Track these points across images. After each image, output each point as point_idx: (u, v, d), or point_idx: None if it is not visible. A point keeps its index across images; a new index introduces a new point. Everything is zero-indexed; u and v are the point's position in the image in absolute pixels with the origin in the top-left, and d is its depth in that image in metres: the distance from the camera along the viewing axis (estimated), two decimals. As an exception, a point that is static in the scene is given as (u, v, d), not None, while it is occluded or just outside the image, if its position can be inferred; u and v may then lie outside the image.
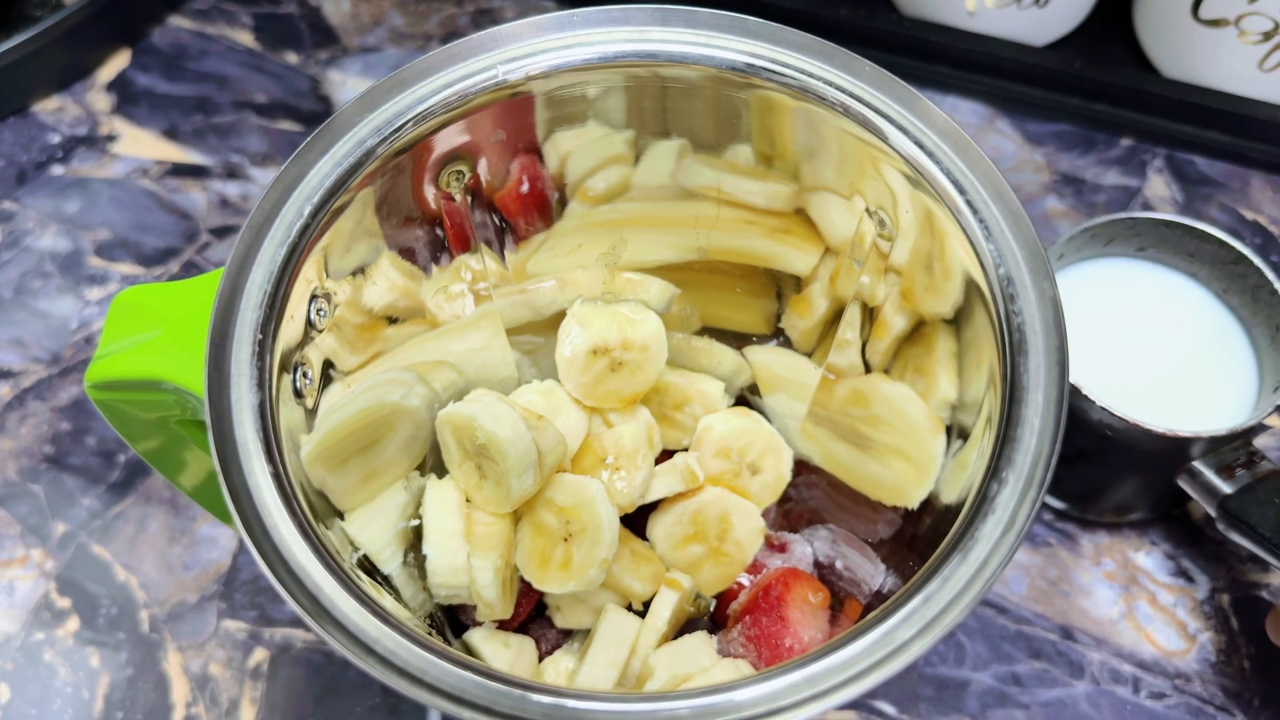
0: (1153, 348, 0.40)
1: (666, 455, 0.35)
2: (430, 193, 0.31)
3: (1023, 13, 0.48)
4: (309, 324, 0.28)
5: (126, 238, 0.48)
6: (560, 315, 0.35)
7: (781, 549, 0.36)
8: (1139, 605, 0.40)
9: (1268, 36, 0.45)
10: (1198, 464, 0.37)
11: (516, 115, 0.30)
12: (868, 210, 0.30)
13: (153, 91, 0.52)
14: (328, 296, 0.28)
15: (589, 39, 0.29)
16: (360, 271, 0.30)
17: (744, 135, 0.31)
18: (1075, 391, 0.36)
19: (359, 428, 0.30)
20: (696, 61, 0.29)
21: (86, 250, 0.48)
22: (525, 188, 0.33)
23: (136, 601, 0.40)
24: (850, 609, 0.34)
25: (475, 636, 0.33)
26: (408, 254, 0.31)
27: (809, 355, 0.36)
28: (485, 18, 0.55)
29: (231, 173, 0.50)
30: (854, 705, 0.37)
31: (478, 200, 0.32)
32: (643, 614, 0.34)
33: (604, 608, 0.34)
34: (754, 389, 0.38)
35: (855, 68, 0.28)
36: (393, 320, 0.32)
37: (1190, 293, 0.41)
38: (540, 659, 0.34)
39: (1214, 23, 0.46)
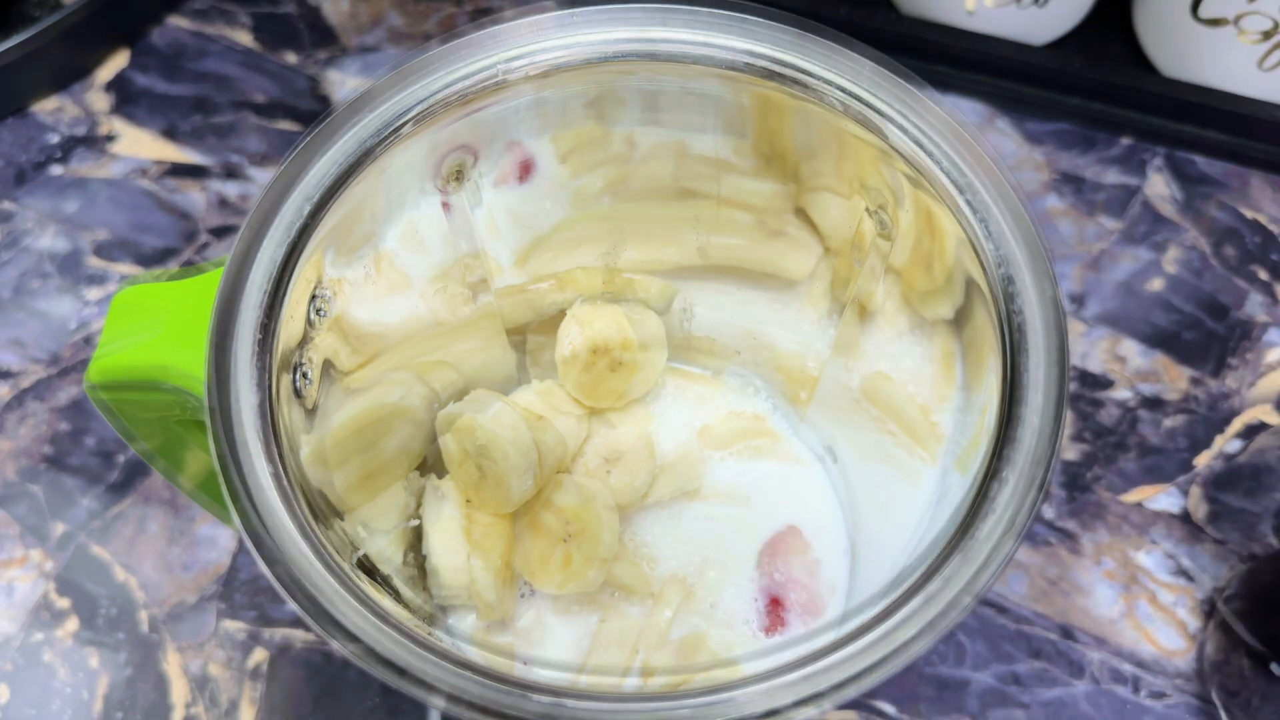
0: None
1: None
2: (430, 191, 0.31)
3: (1022, 12, 0.48)
4: (309, 324, 0.28)
5: (125, 238, 0.48)
6: (560, 315, 0.35)
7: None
8: (1139, 604, 0.40)
9: (1267, 35, 0.45)
10: None
11: (517, 114, 0.30)
12: (868, 210, 0.30)
13: (151, 91, 0.52)
14: (328, 296, 0.28)
15: (589, 38, 0.29)
16: (360, 271, 0.30)
17: (744, 135, 0.31)
18: None
19: (359, 428, 0.30)
20: (697, 61, 0.29)
21: (85, 250, 0.47)
22: (525, 186, 0.33)
23: (136, 602, 0.40)
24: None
25: (475, 637, 0.33)
26: (407, 253, 0.31)
27: (809, 355, 0.35)
28: (485, 17, 0.55)
29: (230, 173, 0.50)
30: (854, 705, 0.37)
31: (477, 199, 0.32)
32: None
33: (604, 608, 0.34)
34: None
35: (855, 67, 0.28)
36: (392, 320, 0.32)
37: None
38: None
39: (1213, 22, 0.46)
